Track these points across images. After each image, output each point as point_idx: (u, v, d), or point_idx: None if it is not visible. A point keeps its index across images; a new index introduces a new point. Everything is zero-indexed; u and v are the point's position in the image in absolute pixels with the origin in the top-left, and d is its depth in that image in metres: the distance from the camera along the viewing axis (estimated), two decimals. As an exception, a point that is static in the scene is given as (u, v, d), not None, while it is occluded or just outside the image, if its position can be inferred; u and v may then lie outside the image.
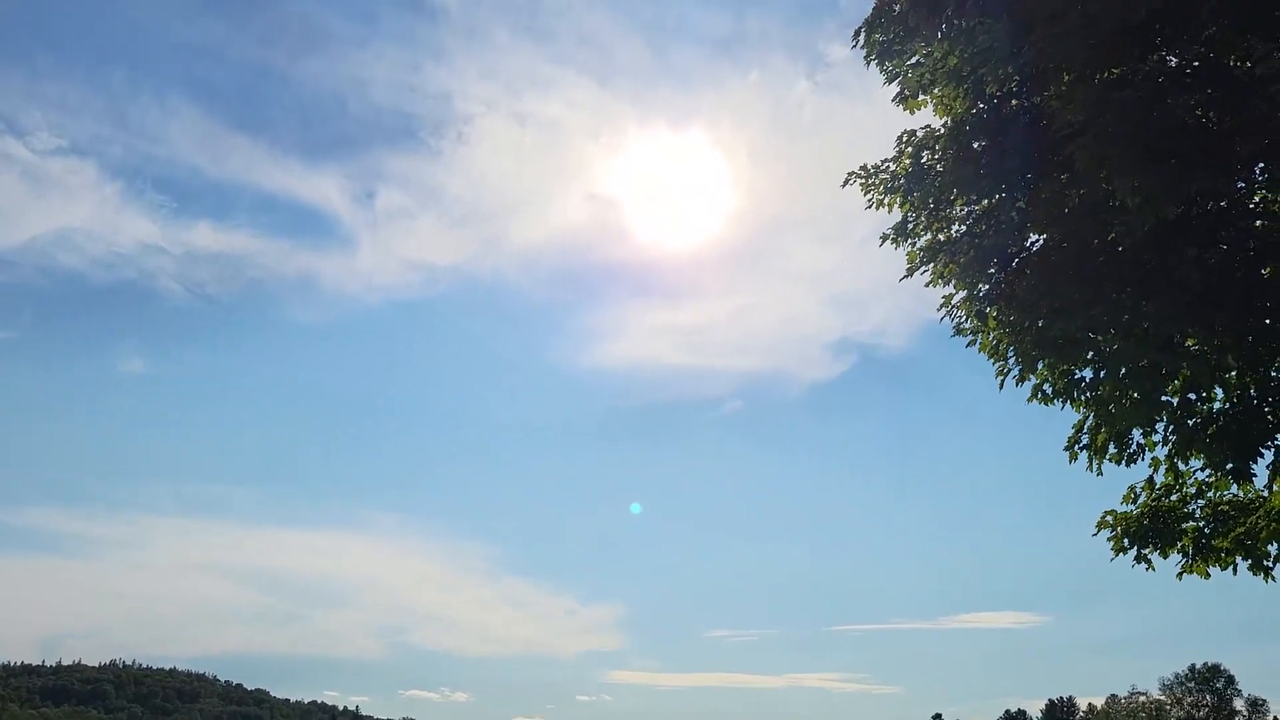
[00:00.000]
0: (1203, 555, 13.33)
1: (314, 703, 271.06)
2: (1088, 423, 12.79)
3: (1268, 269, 10.81)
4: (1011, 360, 12.72)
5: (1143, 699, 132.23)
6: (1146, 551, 13.61)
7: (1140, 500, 13.66)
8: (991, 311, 12.55)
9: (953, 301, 13.23)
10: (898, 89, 13.40)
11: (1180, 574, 13.56)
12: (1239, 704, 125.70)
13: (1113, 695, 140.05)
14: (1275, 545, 12.78)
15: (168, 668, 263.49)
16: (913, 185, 13.24)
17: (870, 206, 13.73)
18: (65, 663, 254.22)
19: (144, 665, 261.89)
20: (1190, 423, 11.58)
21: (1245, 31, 9.29)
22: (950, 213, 13.27)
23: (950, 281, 13.18)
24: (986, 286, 12.71)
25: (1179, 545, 13.48)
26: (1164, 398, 11.36)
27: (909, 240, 13.56)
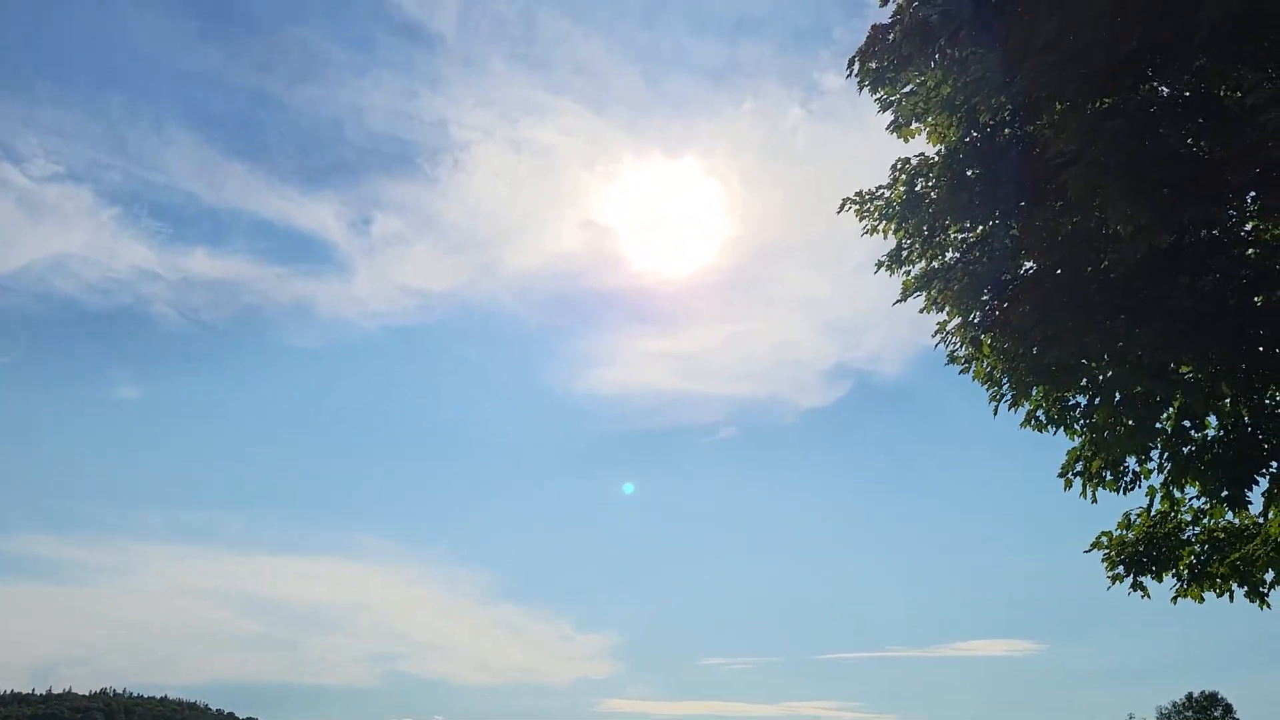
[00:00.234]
0: (1198, 580, 13.32)
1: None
2: (1082, 450, 12.81)
3: (1260, 297, 10.85)
4: (1005, 386, 12.75)
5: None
6: (1143, 579, 13.59)
7: (1135, 526, 13.67)
8: (985, 338, 12.58)
9: (947, 328, 13.27)
10: (891, 117, 13.48)
11: (1174, 598, 13.54)
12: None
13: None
14: (1272, 572, 12.77)
15: (159, 696, 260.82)
16: (907, 212, 13.30)
17: (865, 233, 13.79)
18: (56, 691, 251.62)
19: (135, 693, 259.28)
20: (1185, 450, 11.61)
21: (1235, 62, 9.37)
22: (944, 239, 13.33)
23: (944, 308, 13.22)
24: (980, 313, 12.76)
25: (1174, 570, 13.48)
26: (1158, 425, 11.39)
27: (904, 267, 13.62)
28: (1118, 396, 11.14)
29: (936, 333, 13.32)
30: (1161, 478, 12.28)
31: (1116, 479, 12.70)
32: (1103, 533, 13.88)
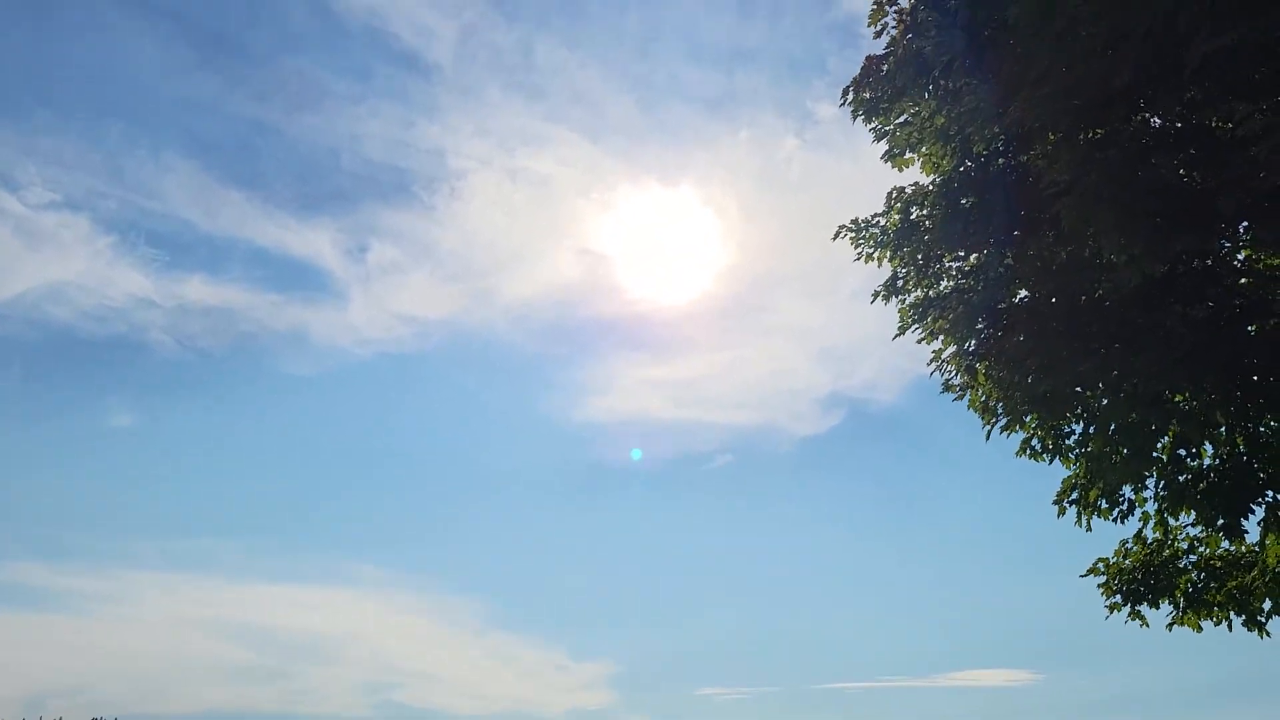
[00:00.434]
0: (1194, 608, 13.28)
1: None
2: (1077, 478, 12.82)
3: (1254, 326, 10.88)
4: (1000, 413, 12.77)
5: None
6: (1140, 608, 13.56)
7: (1132, 554, 13.65)
8: (980, 367, 12.60)
9: (943, 356, 13.30)
10: (886, 146, 13.57)
11: (1170, 625, 13.49)
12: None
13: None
14: (1270, 601, 12.73)
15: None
16: (902, 240, 13.37)
17: (859, 259, 13.86)
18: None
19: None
20: (1181, 479, 11.59)
21: (1226, 94, 9.43)
22: (939, 268, 13.39)
23: (940, 336, 13.26)
24: (975, 342, 12.79)
25: (1171, 597, 13.45)
26: (1154, 454, 11.39)
27: (899, 296, 13.67)
28: (1113, 425, 11.15)
29: (932, 361, 13.35)
30: (1157, 506, 12.27)
31: (1112, 507, 12.70)
32: (1100, 559, 13.87)
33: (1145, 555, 13.58)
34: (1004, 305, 12.56)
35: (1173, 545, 13.50)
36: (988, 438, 12.91)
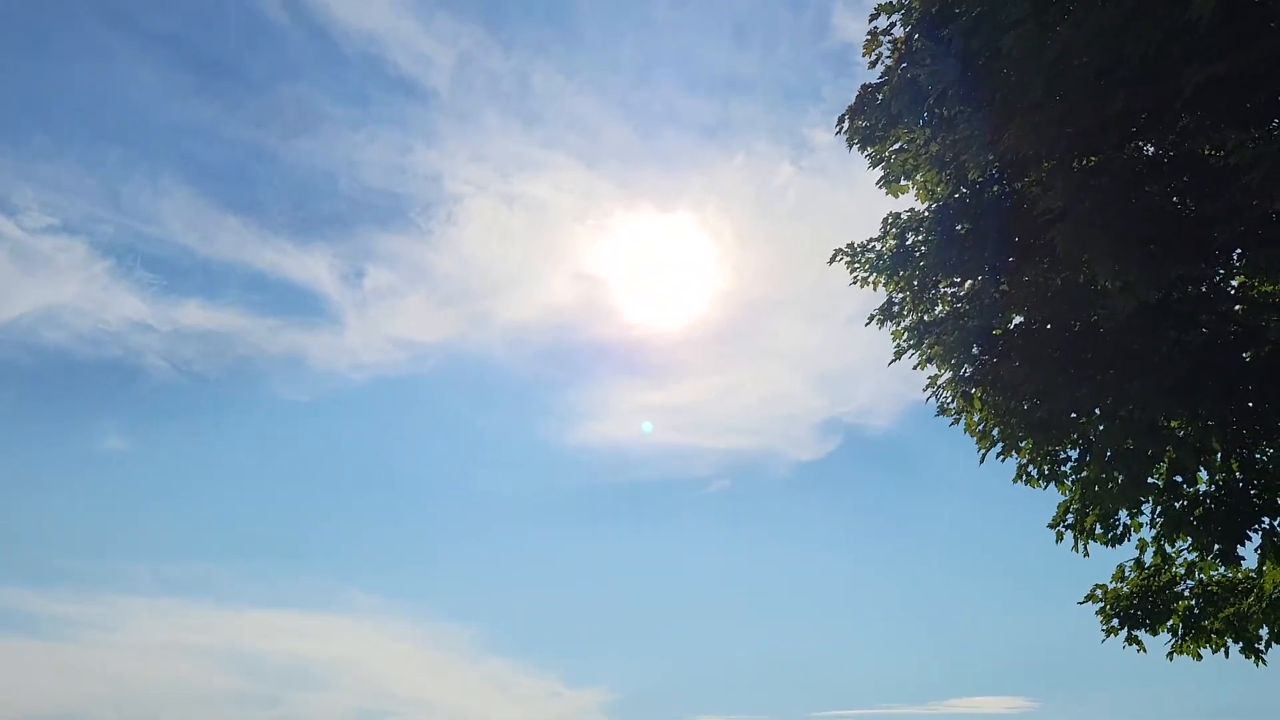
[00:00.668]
0: (1193, 635, 13.26)
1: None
2: (1073, 504, 12.82)
3: (1248, 352, 10.93)
4: (996, 438, 12.78)
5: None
6: (1138, 633, 13.53)
7: (1130, 579, 13.64)
8: (976, 393, 12.62)
9: (938, 382, 13.32)
10: (881, 173, 13.64)
11: (1170, 654, 13.46)
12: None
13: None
14: (1266, 628, 12.71)
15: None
16: (897, 265, 13.42)
17: (854, 283, 13.91)
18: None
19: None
20: (1177, 505, 11.60)
21: (1219, 122, 9.51)
22: (934, 293, 13.43)
23: (934, 360, 13.28)
24: (970, 367, 12.81)
25: (1169, 624, 13.43)
26: (1150, 480, 11.39)
27: (894, 321, 13.71)
28: (1109, 451, 11.16)
29: (928, 387, 13.36)
30: (1154, 532, 12.27)
31: (1107, 532, 12.70)
32: (1097, 585, 13.86)
33: (1143, 580, 13.57)
34: (999, 331, 12.60)
35: (1170, 571, 13.50)
36: (982, 461, 12.92)
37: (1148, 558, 13.42)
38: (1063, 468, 12.90)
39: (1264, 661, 12.82)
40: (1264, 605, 12.54)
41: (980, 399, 12.59)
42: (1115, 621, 13.62)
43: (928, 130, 12.50)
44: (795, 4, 63.49)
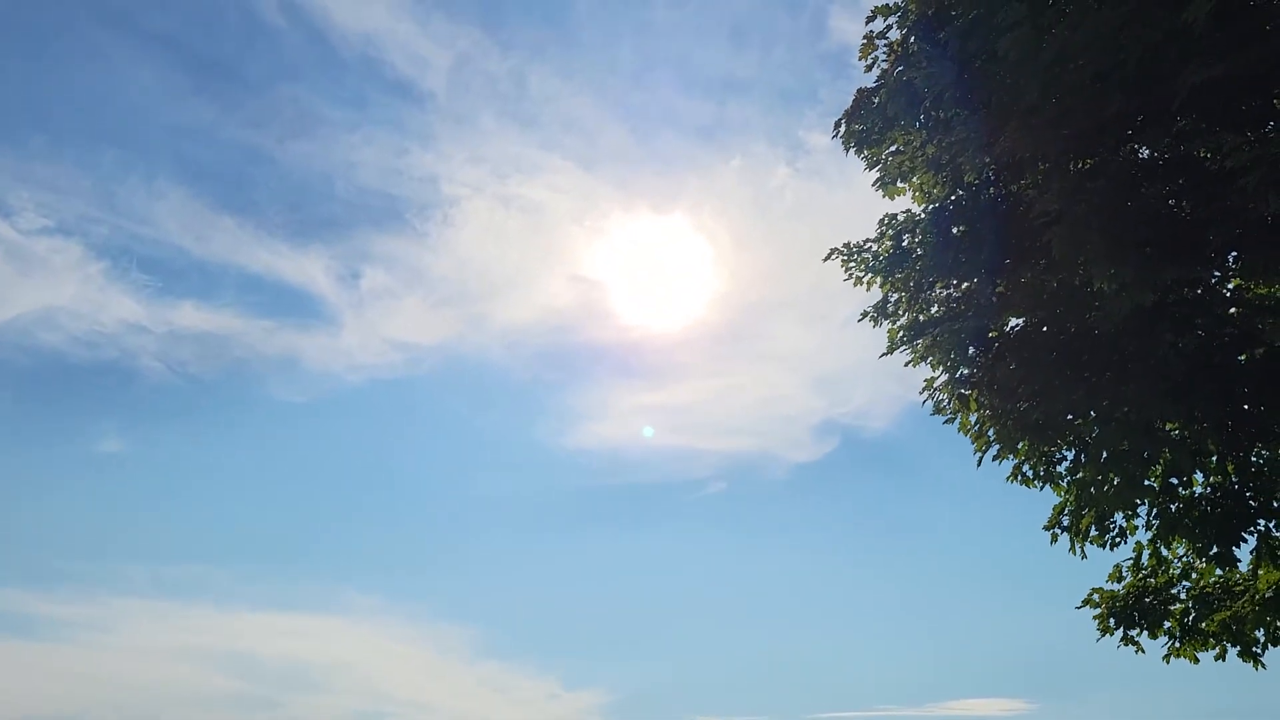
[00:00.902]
0: (1189, 638, 13.25)
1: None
2: (1068, 506, 12.82)
3: (1244, 355, 10.93)
4: (992, 439, 12.78)
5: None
6: (1134, 634, 13.52)
7: (1126, 580, 13.63)
8: (972, 394, 12.62)
9: (934, 384, 13.32)
10: (878, 175, 13.65)
11: (1167, 657, 13.45)
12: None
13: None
14: (1262, 631, 12.70)
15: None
16: (894, 266, 13.43)
17: (849, 280, 13.93)
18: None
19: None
20: (1173, 507, 11.60)
21: (1215, 125, 9.52)
22: (930, 295, 13.44)
23: (928, 359, 13.28)
24: (966, 369, 12.81)
25: (1165, 627, 13.42)
26: (1146, 482, 11.40)
27: (890, 320, 13.71)
28: (1104, 453, 11.17)
29: (924, 389, 13.36)
30: (1149, 534, 12.27)
31: (1103, 534, 12.70)
32: (1094, 589, 13.84)
33: (1139, 582, 13.57)
34: (995, 333, 12.61)
35: (1166, 572, 13.49)
36: (979, 464, 12.93)
37: (1144, 559, 13.42)
38: (1058, 469, 12.91)
39: (1262, 665, 12.81)
40: (1259, 607, 12.53)
41: (976, 401, 12.59)
42: (1111, 620, 13.61)
43: (924, 133, 12.50)
44: (792, 6, 63.58)
